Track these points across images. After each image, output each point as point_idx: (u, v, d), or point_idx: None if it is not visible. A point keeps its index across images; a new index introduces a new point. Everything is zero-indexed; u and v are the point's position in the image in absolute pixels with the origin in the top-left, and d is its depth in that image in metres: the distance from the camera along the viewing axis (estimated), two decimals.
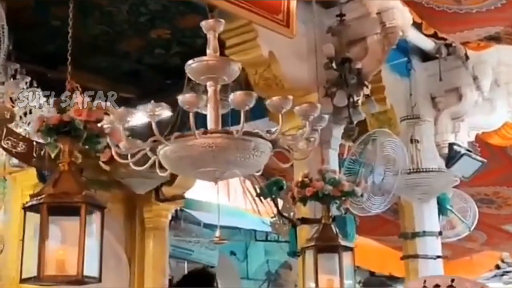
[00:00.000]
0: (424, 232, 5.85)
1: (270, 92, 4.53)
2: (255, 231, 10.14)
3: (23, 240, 2.57)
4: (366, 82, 4.63)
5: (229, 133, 2.73)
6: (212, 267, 10.01)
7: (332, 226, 4.10)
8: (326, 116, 3.02)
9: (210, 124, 2.81)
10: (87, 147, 2.80)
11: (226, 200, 8.66)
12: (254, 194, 8.14)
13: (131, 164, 2.81)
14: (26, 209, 2.62)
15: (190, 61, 2.69)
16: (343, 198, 4.06)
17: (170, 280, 9.00)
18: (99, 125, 2.82)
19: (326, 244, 4.02)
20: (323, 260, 4.04)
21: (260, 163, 2.93)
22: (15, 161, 6.76)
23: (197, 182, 8.17)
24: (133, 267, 7.91)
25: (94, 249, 2.65)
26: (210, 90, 2.77)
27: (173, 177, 7.80)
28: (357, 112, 4.67)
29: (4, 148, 4.02)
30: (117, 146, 2.69)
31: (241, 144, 2.81)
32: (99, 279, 2.65)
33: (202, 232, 8.66)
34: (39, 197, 2.59)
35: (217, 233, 6.41)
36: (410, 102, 5.65)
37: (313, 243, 4.02)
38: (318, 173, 4.10)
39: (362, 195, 4.17)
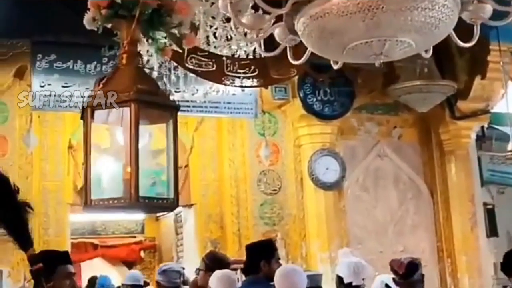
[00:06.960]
0: None
1: None
2: None
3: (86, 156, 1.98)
4: None
5: None
6: None
7: None
8: None
9: None
10: (161, 36, 2.09)
11: None
12: None
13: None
14: (82, 118, 2.05)
15: None
16: None
17: (490, 210, 7.77)
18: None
19: None
20: None
21: (444, 26, 1.93)
22: (277, 94, 6.40)
23: (507, 91, 6.81)
24: (436, 197, 6.95)
25: (161, 163, 1.95)
26: None
27: (465, 89, 6.60)
28: None
29: (188, 69, 3.53)
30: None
31: None
32: (174, 202, 1.94)
33: None
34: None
35: (509, 147, 5.13)
36: None
37: None
38: None
39: None
